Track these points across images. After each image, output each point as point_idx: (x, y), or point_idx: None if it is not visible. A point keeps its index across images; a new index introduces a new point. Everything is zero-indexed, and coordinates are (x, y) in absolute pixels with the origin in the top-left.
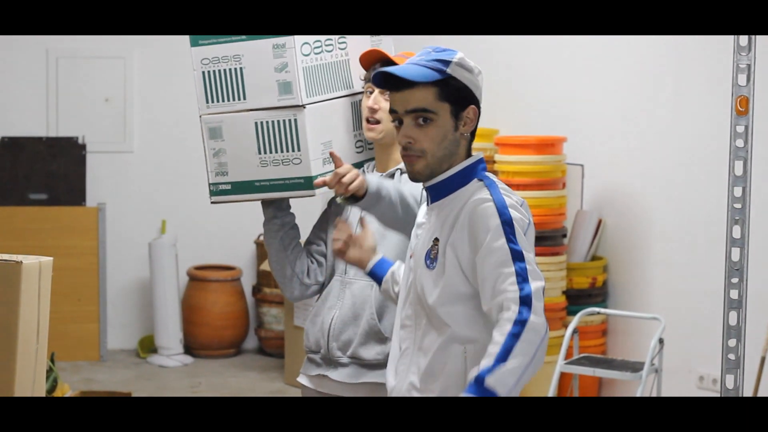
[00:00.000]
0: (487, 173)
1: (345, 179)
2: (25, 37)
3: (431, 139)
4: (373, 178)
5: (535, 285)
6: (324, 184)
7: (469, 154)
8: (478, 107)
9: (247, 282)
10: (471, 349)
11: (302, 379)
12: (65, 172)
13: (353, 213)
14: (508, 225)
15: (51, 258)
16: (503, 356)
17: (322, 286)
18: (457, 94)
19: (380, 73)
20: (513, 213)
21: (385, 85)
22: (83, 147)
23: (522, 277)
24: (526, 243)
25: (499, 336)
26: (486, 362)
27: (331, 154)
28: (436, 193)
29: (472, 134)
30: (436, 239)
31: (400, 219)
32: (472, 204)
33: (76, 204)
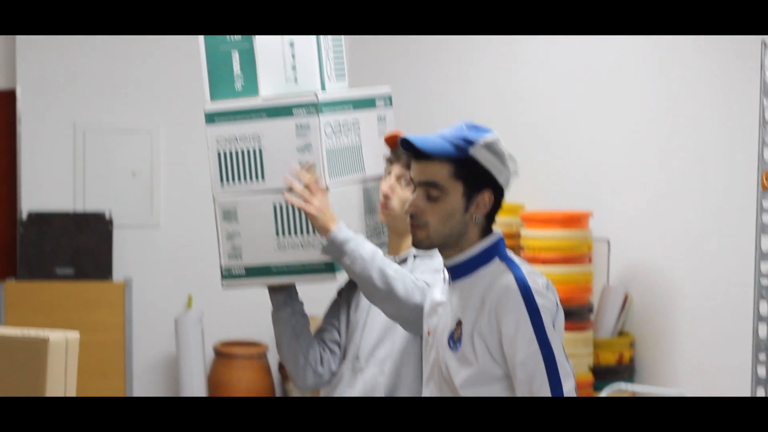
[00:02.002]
0: (509, 252)
1: (315, 214)
2: (53, 111)
3: (436, 215)
4: (345, 236)
5: (567, 387)
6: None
7: (483, 235)
8: (498, 194)
9: (273, 358)
10: None
11: None
12: (92, 247)
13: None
14: (535, 316)
15: (77, 333)
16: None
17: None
18: (475, 176)
19: (405, 139)
20: (540, 301)
21: (408, 153)
22: (110, 221)
23: (554, 379)
24: (555, 335)
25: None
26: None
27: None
28: (456, 273)
29: (489, 218)
30: (460, 321)
31: (380, 297)
32: (498, 291)
33: (102, 278)
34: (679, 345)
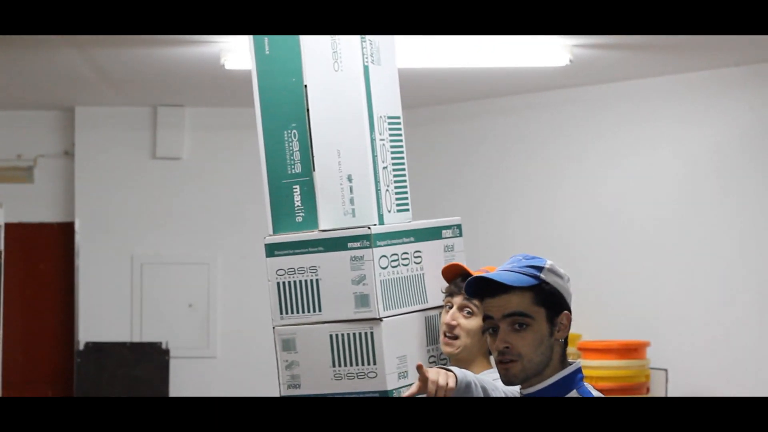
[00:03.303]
0: (586, 384)
1: (441, 383)
2: (111, 243)
3: (528, 344)
4: (455, 369)
5: None
6: (413, 395)
7: (563, 360)
8: (570, 313)
9: None
10: None
11: None
12: (149, 377)
13: None
14: None
15: None
16: None
17: None
18: (552, 300)
19: (475, 279)
20: None
21: (479, 293)
22: (167, 352)
23: None
24: None
25: None
26: None
27: (418, 367)
28: None
29: (566, 341)
30: None
31: None
32: None
33: None
34: None
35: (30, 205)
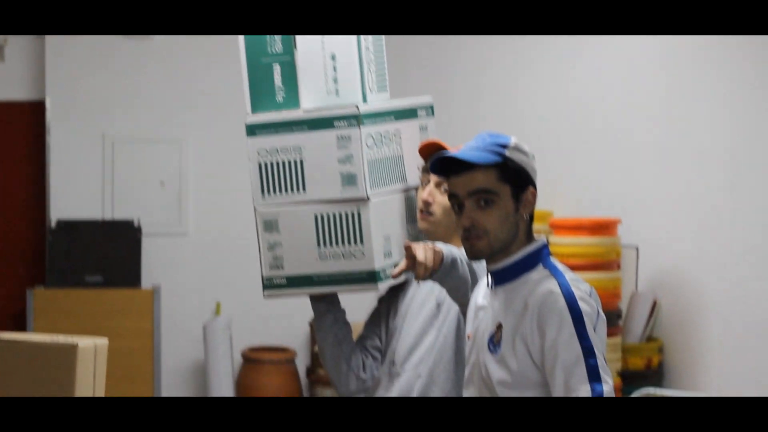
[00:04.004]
0: (553, 259)
1: (424, 261)
2: (82, 121)
3: (494, 220)
4: (442, 245)
5: (605, 389)
6: (401, 272)
7: (529, 237)
8: (535, 189)
9: (302, 363)
10: None
11: None
12: (121, 255)
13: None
14: (578, 321)
15: (106, 340)
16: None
17: None
18: (517, 176)
19: (440, 159)
20: (583, 306)
21: (445, 171)
22: (139, 229)
23: (593, 377)
24: (597, 339)
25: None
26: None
27: (406, 246)
28: (500, 278)
29: (531, 217)
30: (500, 325)
31: (470, 290)
32: (541, 296)
33: (131, 286)
34: (708, 350)
35: (0, 83)
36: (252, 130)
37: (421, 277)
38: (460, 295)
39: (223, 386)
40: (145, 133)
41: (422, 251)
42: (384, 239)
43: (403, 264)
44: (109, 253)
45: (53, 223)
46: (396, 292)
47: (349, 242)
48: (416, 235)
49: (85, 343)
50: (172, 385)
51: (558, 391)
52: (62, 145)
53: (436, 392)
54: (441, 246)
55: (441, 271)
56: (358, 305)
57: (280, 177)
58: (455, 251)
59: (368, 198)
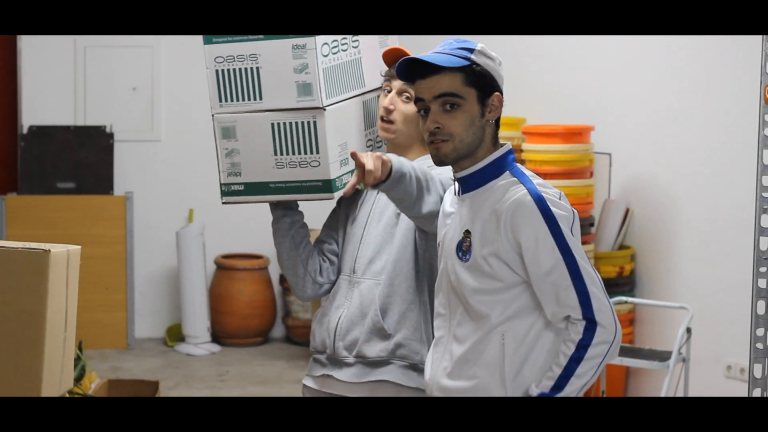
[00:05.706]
0: (518, 165)
1: (372, 169)
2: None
3: (459, 124)
4: (393, 157)
5: (592, 291)
6: (353, 187)
7: (495, 143)
8: (502, 94)
9: (275, 270)
10: (509, 336)
11: (307, 381)
12: (93, 161)
13: (365, 206)
14: (554, 225)
15: (79, 246)
16: (562, 382)
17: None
18: (483, 81)
19: (405, 62)
20: (555, 210)
21: (411, 75)
22: (111, 136)
23: (579, 285)
24: (575, 241)
25: (564, 358)
26: (546, 383)
27: (353, 155)
28: (466, 185)
29: (497, 123)
30: (468, 231)
31: (421, 200)
32: (512, 205)
33: (103, 193)
34: (680, 258)
35: None
36: (209, 38)
37: (368, 185)
38: (404, 207)
39: (196, 293)
40: (116, 38)
41: (371, 160)
42: (340, 148)
43: (354, 179)
44: (81, 160)
45: (25, 129)
46: (355, 199)
47: (304, 151)
48: (375, 140)
49: (57, 249)
50: (146, 292)
51: (550, 306)
52: (33, 50)
53: (397, 301)
54: (392, 157)
55: (388, 182)
56: (318, 212)
57: (237, 84)
58: (406, 164)
59: (324, 108)
